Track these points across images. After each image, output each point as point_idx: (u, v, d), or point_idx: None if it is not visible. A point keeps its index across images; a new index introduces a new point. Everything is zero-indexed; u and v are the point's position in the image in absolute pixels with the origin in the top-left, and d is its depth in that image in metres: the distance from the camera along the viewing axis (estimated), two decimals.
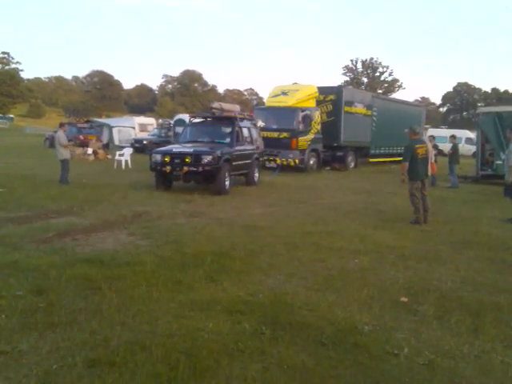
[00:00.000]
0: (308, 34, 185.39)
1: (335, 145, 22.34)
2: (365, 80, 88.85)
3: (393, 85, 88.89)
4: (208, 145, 13.73)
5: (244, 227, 8.65)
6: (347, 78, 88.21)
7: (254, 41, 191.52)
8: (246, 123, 15.60)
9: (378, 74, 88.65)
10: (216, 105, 15.27)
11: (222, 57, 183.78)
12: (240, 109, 16.90)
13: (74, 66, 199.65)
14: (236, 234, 8.04)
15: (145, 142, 29.52)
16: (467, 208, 12.46)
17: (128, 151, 20.61)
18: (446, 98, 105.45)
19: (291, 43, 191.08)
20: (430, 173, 10.75)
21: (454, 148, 17.86)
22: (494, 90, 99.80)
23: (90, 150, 23.88)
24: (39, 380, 3.31)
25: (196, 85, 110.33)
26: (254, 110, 21.89)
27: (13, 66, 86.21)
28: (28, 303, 4.57)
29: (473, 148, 29.31)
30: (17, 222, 8.26)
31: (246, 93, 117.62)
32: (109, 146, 30.28)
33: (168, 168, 12.65)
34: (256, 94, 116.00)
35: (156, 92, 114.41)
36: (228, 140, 14.16)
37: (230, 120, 14.74)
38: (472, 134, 36.67)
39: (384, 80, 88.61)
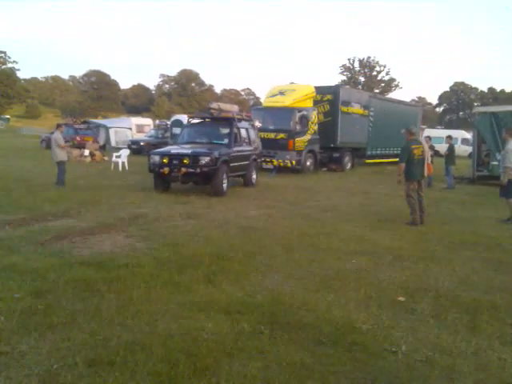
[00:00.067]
0: (305, 33, 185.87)
1: (332, 146, 22.36)
2: (362, 79, 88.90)
3: (390, 84, 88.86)
4: (206, 146, 13.73)
5: (241, 229, 8.69)
6: (344, 78, 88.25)
7: (251, 40, 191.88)
8: (244, 124, 15.60)
9: (375, 73, 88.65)
10: (214, 105, 15.24)
11: (219, 56, 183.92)
12: (238, 109, 16.87)
13: (70, 66, 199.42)
14: (233, 236, 8.07)
15: (142, 144, 29.46)
16: (463, 209, 12.53)
17: (125, 153, 20.56)
18: (443, 98, 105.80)
19: (288, 42, 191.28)
20: (426, 173, 10.82)
21: (451, 149, 17.90)
22: (491, 89, 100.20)
23: (86, 152, 23.83)
24: (40, 379, 3.33)
25: (193, 84, 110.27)
26: (252, 111, 21.87)
27: (9, 65, 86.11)
28: (27, 305, 4.58)
29: (469, 149, 29.34)
30: (14, 225, 8.25)
31: (243, 93, 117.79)
32: (105, 148, 30.26)
33: (166, 169, 12.65)
34: (253, 94, 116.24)
35: (153, 92, 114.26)
36: (226, 141, 14.16)
37: (228, 121, 14.74)
38: (468, 135, 36.77)
39: (381, 79, 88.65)
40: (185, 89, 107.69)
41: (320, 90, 22.07)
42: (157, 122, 40.60)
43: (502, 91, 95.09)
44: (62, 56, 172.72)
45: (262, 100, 25.37)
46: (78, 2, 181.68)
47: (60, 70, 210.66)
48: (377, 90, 78.43)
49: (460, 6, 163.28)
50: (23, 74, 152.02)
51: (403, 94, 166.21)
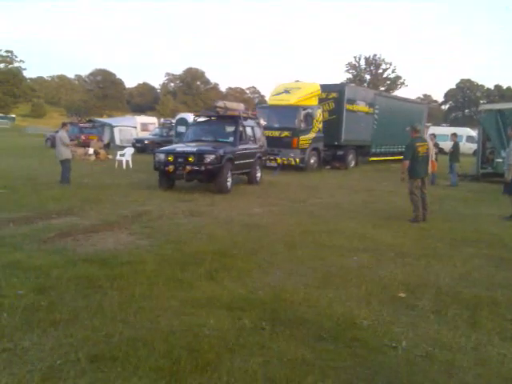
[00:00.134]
0: (309, 31, 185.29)
1: (336, 144, 22.36)
2: (367, 77, 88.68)
3: (395, 82, 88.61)
4: (211, 144, 13.81)
5: (244, 226, 8.72)
6: (350, 75, 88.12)
7: (256, 39, 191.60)
8: (249, 122, 15.67)
9: (380, 70, 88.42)
10: (220, 104, 15.28)
11: (223, 55, 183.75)
12: (244, 107, 16.90)
13: (76, 65, 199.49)
14: (236, 233, 8.10)
15: (146, 142, 29.58)
16: (466, 206, 12.51)
17: (129, 151, 20.65)
18: (449, 95, 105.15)
19: (294, 40, 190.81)
20: (429, 171, 10.79)
21: (455, 146, 17.86)
22: (497, 86, 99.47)
23: (91, 150, 23.94)
24: (43, 375, 3.36)
25: (198, 83, 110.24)
26: (257, 109, 21.89)
27: (16, 64, 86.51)
28: (30, 302, 4.62)
29: (474, 146, 29.30)
30: (18, 223, 8.31)
31: (248, 91, 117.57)
32: (110, 146, 30.35)
33: (171, 167, 12.75)
34: (258, 92, 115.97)
35: (158, 91, 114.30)
36: (231, 139, 14.24)
37: (234, 119, 14.82)
38: (473, 132, 36.68)
39: (387, 77, 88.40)
40: (190, 87, 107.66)
41: (325, 87, 22.06)
42: (161, 120, 40.68)
43: (509, 88, 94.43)
44: (67, 56, 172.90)
45: (267, 98, 25.34)
46: (83, 1, 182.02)
47: (66, 69, 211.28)
48: (382, 88, 78.36)
49: (466, 5, 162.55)
50: (29, 73, 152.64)
51: (409, 91, 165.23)
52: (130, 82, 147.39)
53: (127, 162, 19.85)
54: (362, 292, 5.26)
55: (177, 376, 3.39)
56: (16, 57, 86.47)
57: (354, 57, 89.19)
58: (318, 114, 20.90)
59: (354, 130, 22.98)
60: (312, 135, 20.39)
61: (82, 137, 28.30)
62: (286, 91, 21.32)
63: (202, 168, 12.57)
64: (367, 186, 16.31)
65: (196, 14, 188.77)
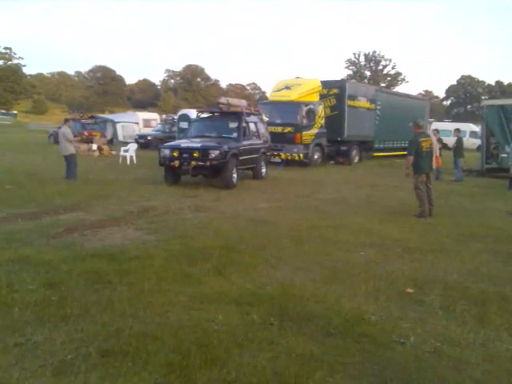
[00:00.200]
0: (310, 28, 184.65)
1: (339, 139, 22.35)
2: (368, 73, 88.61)
3: (396, 78, 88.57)
4: (215, 140, 13.90)
5: (250, 221, 8.74)
6: (350, 72, 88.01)
7: (257, 35, 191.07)
8: (253, 118, 15.76)
9: (380, 67, 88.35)
10: (223, 100, 15.33)
11: (224, 51, 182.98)
12: (247, 104, 16.94)
13: (76, 62, 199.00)
14: (243, 228, 8.12)
15: (149, 138, 29.58)
16: (472, 201, 12.50)
17: (133, 147, 20.67)
18: (450, 91, 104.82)
19: (294, 37, 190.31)
20: (434, 166, 10.78)
21: (459, 142, 17.84)
22: (498, 82, 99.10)
23: (94, 146, 23.94)
24: (55, 369, 3.39)
25: (199, 79, 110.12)
26: (258, 105, 21.90)
27: (15, 61, 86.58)
28: (41, 297, 4.65)
29: (477, 141, 29.24)
30: (26, 218, 8.36)
31: (248, 87, 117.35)
32: (113, 142, 30.37)
33: (176, 162, 12.87)
34: (259, 89, 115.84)
35: (159, 87, 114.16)
36: (235, 135, 14.31)
37: (237, 115, 14.88)
38: (476, 128, 36.57)
39: (387, 73, 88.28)
40: (190, 84, 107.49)
41: (326, 84, 22.06)
42: (163, 116, 40.63)
43: (510, 84, 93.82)
44: (67, 53, 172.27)
45: (267, 94, 25.34)
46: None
47: (66, 66, 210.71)
48: (383, 84, 78.19)
49: (466, 0, 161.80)
50: (29, 70, 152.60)
51: (410, 87, 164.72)
52: (130, 79, 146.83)
53: (131, 157, 19.87)
54: (369, 287, 5.26)
55: (186, 371, 3.41)
56: (15, 53, 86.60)
57: (354, 53, 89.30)
58: (320, 110, 20.90)
59: (357, 126, 22.98)
60: (315, 131, 20.40)
61: (85, 133, 28.25)
62: (287, 87, 21.34)
63: (207, 163, 12.69)
64: (372, 181, 16.31)
65: (196, 11, 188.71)
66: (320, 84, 21.58)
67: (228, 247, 6.71)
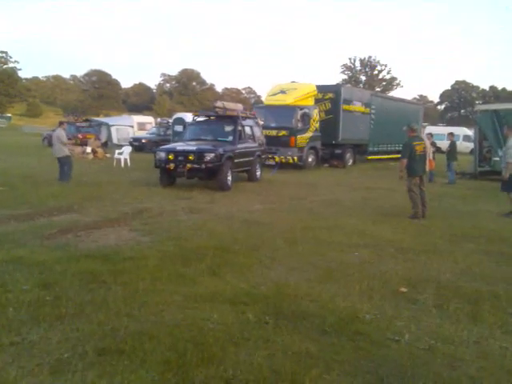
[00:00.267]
0: (305, 32, 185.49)
1: (334, 142, 22.45)
2: (363, 78, 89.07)
3: (391, 83, 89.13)
4: (211, 143, 13.99)
5: (244, 222, 8.75)
6: (345, 77, 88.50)
7: (252, 39, 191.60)
8: (248, 121, 15.88)
9: (376, 72, 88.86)
10: (219, 104, 15.42)
11: (219, 56, 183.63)
12: (243, 108, 17.04)
13: (72, 65, 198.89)
14: (237, 230, 8.13)
15: (143, 141, 29.65)
16: (465, 203, 12.59)
17: (127, 150, 20.67)
18: (444, 96, 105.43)
19: (289, 41, 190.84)
20: (427, 169, 10.85)
21: (452, 145, 18.00)
22: (492, 87, 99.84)
23: (88, 149, 23.92)
24: (52, 368, 3.39)
25: (194, 83, 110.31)
26: (253, 109, 21.96)
27: (11, 65, 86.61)
28: (35, 297, 4.64)
29: (470, 145, 29.40)
30: (19, 220, 8.33)
31: (244, 91, 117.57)
32: (107, 145, 30.33)
33: (172, 165, 12.95)
34: (254, 93, 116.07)
35: (154, 91, 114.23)
36: (230, 138, 14.41)
37: (233, 119, 15.00)
38: (470, 132, 36.77)
39: (382, 78, 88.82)
40: (186, 88, 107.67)
41: (321, 88, 22.23)
42: (158, 119, 40.64)
43: (504, 89, 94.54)
44: (63, 56, 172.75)
45: (263, 98, 25.43)
46: (78, 3, 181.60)
47: (61, 69, 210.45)
48: (378, 89, 78.67)
49: (461, 6, 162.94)
50: (25, 73, 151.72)
51: (405, 92, 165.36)
52: (126, 83, 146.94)
53: (125, 160, 19.87)
54: (363, 287, 5.29)
55: (183, 368, 3.41)
56: (10, 57, 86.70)
57: (349, 58, 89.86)
58: (315, 114, 21.05)
59: (351, 129, 23.13)
60: (309, 134, 20.52)
61: (80, 136, 28.27)
62: (283, 92, 21.46)
63: (203, 166, 12.78)
64: (366, 183, 16.38)
65: (192, 16, 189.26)
66: (315, 88, 21.75)
67: (222, 248, 6.72)
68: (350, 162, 23.78)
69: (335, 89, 23.22)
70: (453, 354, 3.82)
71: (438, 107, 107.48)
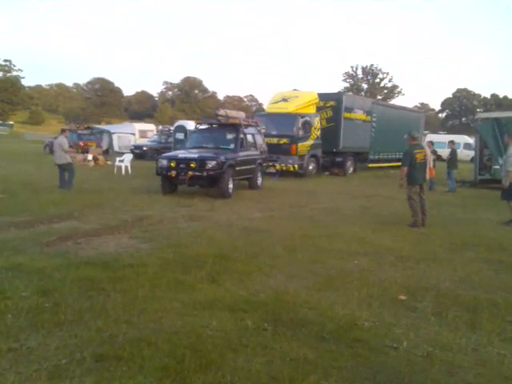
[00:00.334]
0: (307, 40, 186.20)
1: (334, 150, 22.48)
2: (365, 86, 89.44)
3: (392, 91, 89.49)
4: (212, 150, 14.04)
5: (244, 230, 8.76)
6: (347, 85, 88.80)
7: (254, 48, 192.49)
8: (250, 129, 15.94)
9: (377, 80, 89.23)
10: (222, 112, 15.46)
11: (221, 64, 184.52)
12: (245, 116, 17.12)
13: (75, 74, 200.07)
14: (236, 237, 8.14)
15: (144, 149, 29.73)
16: (464, 211, 12.59)
17: (128, 157, 20.71)
18: (446, 104, 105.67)
19: (292, 50, 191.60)
20: (427, 177, 10.87)
21: (453, 153, 18.03)
22: (494, 95, 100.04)
23: (90, 156, 23.99)
24: (50, 374, 3.39)
25: (196, 91, 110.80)
26: (255, 117, 22.03)
27: (14, 73, 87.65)
28: (34, 303, 4.64)
29: (471, 153, 29.46)
30: (19, 227, 8.33)
31: (245, 99, 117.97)
32: (109, 152, 30.42)
33: (173, 173, 12.98)
34: (256, 101, 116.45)
35: (156, 99, 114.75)
36: (232, 146, 14.46)
37: (235, 127, 15.06)
38: (470, 140, 36.86)
39: (384, 86, 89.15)
40: (188, 95, 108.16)
41: (323, 96, 22.26)
42: (160, 127, 40.80)
43: (505, 97, 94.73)
44: (66, 64, 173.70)
45: (264, 106, 25.51)
46: (82, 11, 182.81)
47: (65, 78, 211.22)
48: (380, 97, 78.92)
49: (463, 13, 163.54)
50: (28, 81, 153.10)
51: (406, 100, 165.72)
52: (128, 90, 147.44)
53: (126, 167, 19.90)
54: (362, 294, 5.30)
55: (181, 374, 3.42)
56: (14, 66, 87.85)
57: (351, 66, 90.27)
58: (316, 122, 21.07)
59: (352, 137, 23.14)
60: (310, 142, 20.54)
61: (81, 143, 28.38)
62: (284, 99, 21.52)
63: (204, 174, 12.82)
64: (366, 191, 16.38)
65: (194, 23, 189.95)
66: (317, 97, 21.76)
67: (222, 255, 6.72)
68: (351, 169, 23.81)
69: (337, 97, 23.26)
70: (451, 361, 3.82)
71: (440, 115, 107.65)
